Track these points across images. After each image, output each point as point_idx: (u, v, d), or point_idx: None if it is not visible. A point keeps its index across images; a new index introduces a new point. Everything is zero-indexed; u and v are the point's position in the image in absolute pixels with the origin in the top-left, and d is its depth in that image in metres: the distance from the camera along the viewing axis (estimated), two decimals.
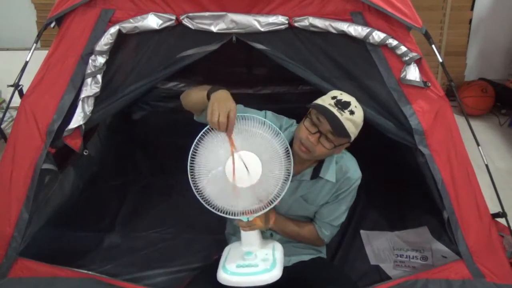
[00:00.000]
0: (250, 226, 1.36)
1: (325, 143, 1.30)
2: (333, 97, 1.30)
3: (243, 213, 1.32)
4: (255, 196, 1.30)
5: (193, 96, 1.40)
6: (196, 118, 1.47)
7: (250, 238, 1.39)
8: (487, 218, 1.59)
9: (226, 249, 1.44)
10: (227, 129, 1.23)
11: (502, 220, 1.65)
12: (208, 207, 1.31)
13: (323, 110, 1.27)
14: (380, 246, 1.91)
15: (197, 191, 1.30)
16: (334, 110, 1.27)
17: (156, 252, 1.89)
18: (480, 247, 1.56)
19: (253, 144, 1.27)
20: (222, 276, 1.30)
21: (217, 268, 1.33)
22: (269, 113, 1.49)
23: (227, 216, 1.32)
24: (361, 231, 2.00)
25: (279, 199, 1.31)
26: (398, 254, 1.85)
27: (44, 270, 1.55)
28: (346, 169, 1.45)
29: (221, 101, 1.23)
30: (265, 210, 1.33)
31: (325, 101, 1.31)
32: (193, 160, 1.28)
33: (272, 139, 1.29)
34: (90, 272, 1.59)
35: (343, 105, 1.28)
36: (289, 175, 1.30)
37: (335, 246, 1.88)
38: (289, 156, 1.30)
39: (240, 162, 1.25)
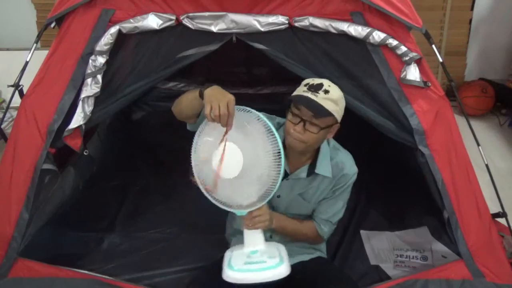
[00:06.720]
0: (254, 224, 1.36)
1: (312, 128, 1.32)
2: (306, 84, 1.34)
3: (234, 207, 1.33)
4: (243, 189, 1.30)
5: (185, 100, 1.36)
6: (189, 127, 1.44)
7: (253, 237, 1.38)
8: (487, 218, 1.59)
9: (228, 252, 1.41)
10: (228, 121, 1.21)
11: (502, 220, 1.65)
12: (208, 196, 1.33)
13: (298, 99, 1.31)
14: (380, 246, 1.91)
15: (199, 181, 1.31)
16: (308, 94, 1.30)
17: (156, 252, 1.89)
18: (480, 247, 1.56)
19: (244, 138, 1.26)
20: (229, 273, 1.28)
21: (220, 269, 1.31)
22: (261, 114, 1.47)
23: (223, 207, 1.34)
24: (361, 231, 2.00)
25: (271, 196, 1.31)
26: (398, 254, 1.85)
27: (44, 270, 1.55)
28: (342, 166, 1.45)
29: (219, 94, 1.22)
30: (259, 206, 1.33)
31: (299, 90, 1.35)
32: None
33: (264, 136, 1.27)
34: (90, 273, 1.59)
35: (315, 88, 1.31)
36: (279, 172, 1.30)
37: (335, 246, 1.88)
38: (280, 154, 1.29)
39: (227, 153, 1.24)
